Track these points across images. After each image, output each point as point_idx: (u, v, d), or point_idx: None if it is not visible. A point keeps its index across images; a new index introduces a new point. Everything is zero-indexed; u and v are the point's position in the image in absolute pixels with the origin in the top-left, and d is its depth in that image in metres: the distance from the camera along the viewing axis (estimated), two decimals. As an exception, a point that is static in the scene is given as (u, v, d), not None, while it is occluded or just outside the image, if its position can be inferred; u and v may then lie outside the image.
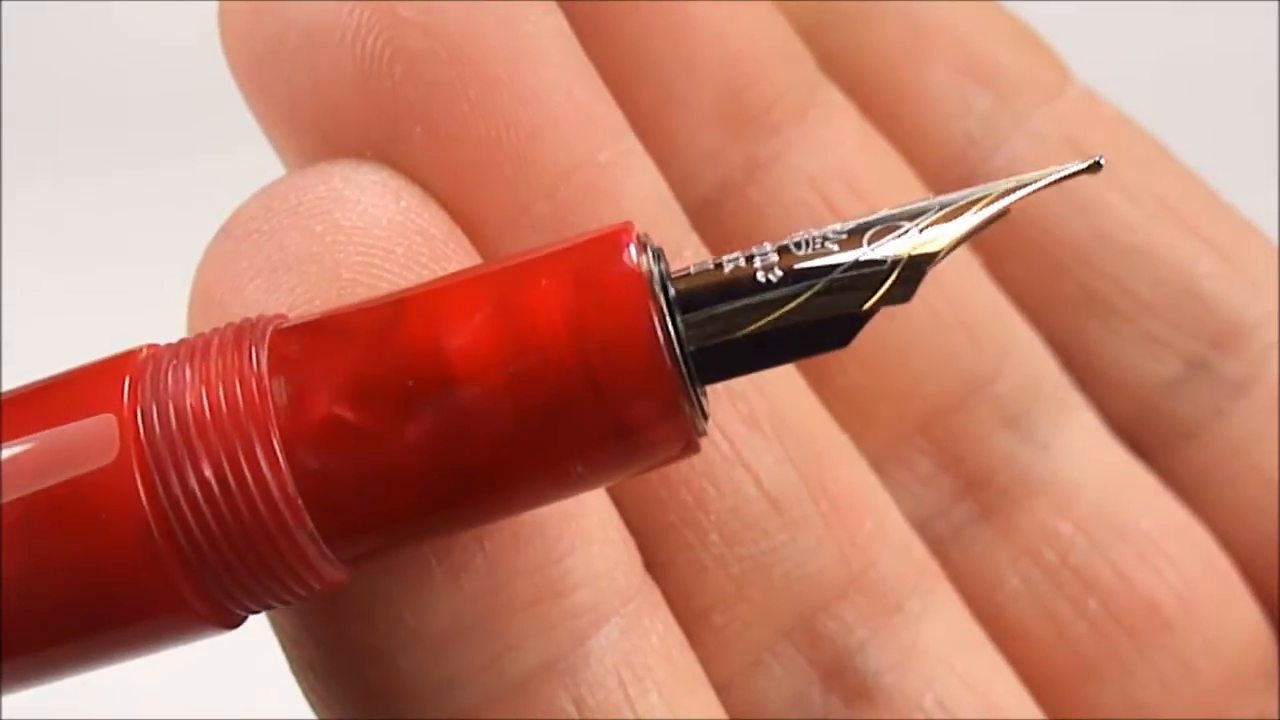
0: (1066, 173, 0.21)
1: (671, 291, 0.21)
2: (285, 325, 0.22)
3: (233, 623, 0.22)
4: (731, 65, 0.30)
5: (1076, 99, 0.33)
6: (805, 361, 0.30)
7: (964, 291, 0.31)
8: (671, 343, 0.21)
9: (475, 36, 0.26)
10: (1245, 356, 0.32)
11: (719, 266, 0.21)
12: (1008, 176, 0.32)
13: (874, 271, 0.21)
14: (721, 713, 0.28)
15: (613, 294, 0.20)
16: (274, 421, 0.21)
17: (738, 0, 0.30)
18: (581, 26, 0.28)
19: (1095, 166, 0.21)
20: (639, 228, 0.27)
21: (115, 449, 0.21)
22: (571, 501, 0.25)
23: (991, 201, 0.21)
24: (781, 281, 0.21)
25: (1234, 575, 0.32)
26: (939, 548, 0.31)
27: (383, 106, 0.26)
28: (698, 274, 0.21)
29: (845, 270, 0.21)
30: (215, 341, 0.21)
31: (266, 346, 0.21)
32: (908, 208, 0.21)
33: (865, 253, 0.21)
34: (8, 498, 0.20)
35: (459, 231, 0.26)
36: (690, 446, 0.22)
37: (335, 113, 0.26)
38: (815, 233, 0.21)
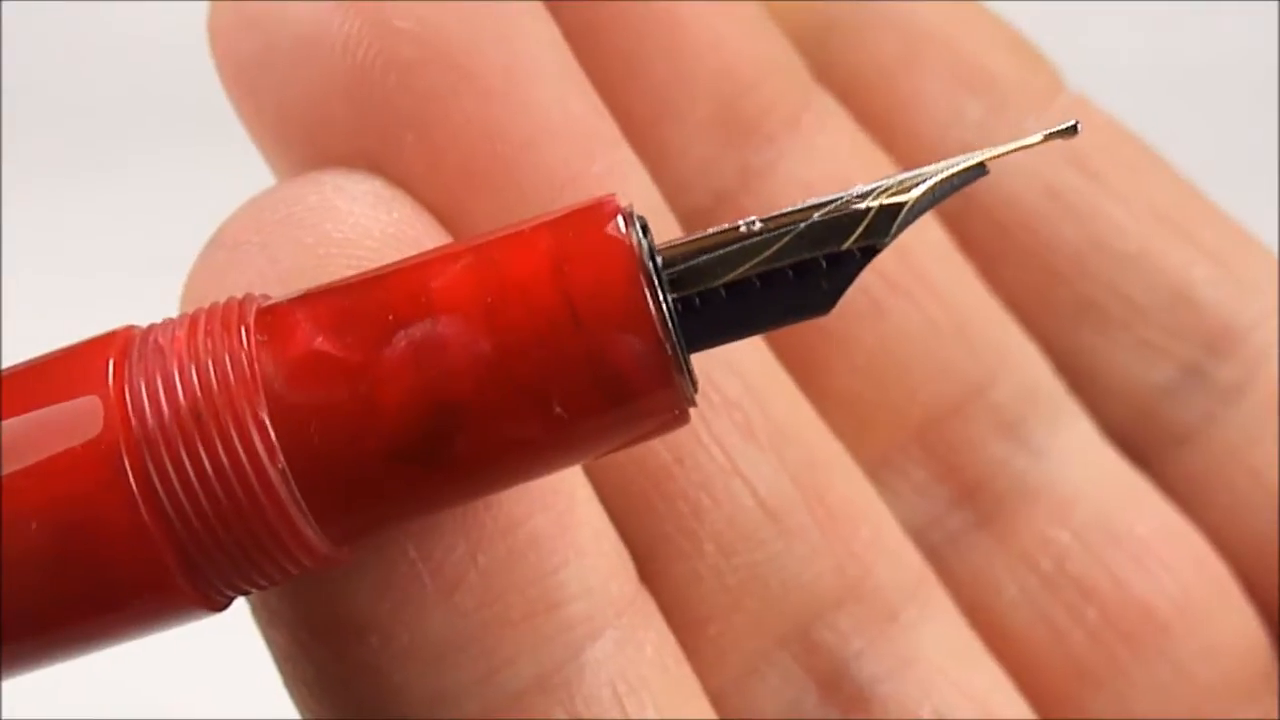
0: (1046, 134, 0.22)
1: (653, 243, 0.21)
2: (273, 300, 0.22)
3: (219, 605, 0.22)
4: (726, 74, 0.30)
5: (1069, 106, 0.33)
6: (800, 370, 0.30)
7: (959, 299, 0.31)
8: (654, 286, 0.20)
9: (469, 46, 0.26)
10: (1240, 361, 0.32)
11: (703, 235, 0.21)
12: (999, 183, 0.32)
13: (850, 213, 0.21)
14: None
15: (594, 238, 0.21)
16: (260, 389, 0.20)
17: (731, 7, 0.30)
18: (575, 36, 0.28)
19: (1071, 130, 0.21)
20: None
21: (100, 427, 0.20)
22: (565, 514, 0.25)
23: (972, 163, 0.21)
24: (762, 231, 0.21)
25: (1230, 581, 0.32)
26: (935, 556, 0.31)
27: (375, 116, 0.26)
28: (681, 240, 0.21)
29: (823, 214, 0.21)
30: (202, 318, 0.21)
31: (254, 316, 0.21)
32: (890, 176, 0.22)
33: (843, 197, 0.21)
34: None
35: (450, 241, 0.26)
36: (680, 414, 0.21)
37: (326, 122, 0.26)
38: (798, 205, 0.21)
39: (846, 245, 0.21)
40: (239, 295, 0.22)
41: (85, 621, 0.21)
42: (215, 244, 0.25)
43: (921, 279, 0.31)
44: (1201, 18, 0.64)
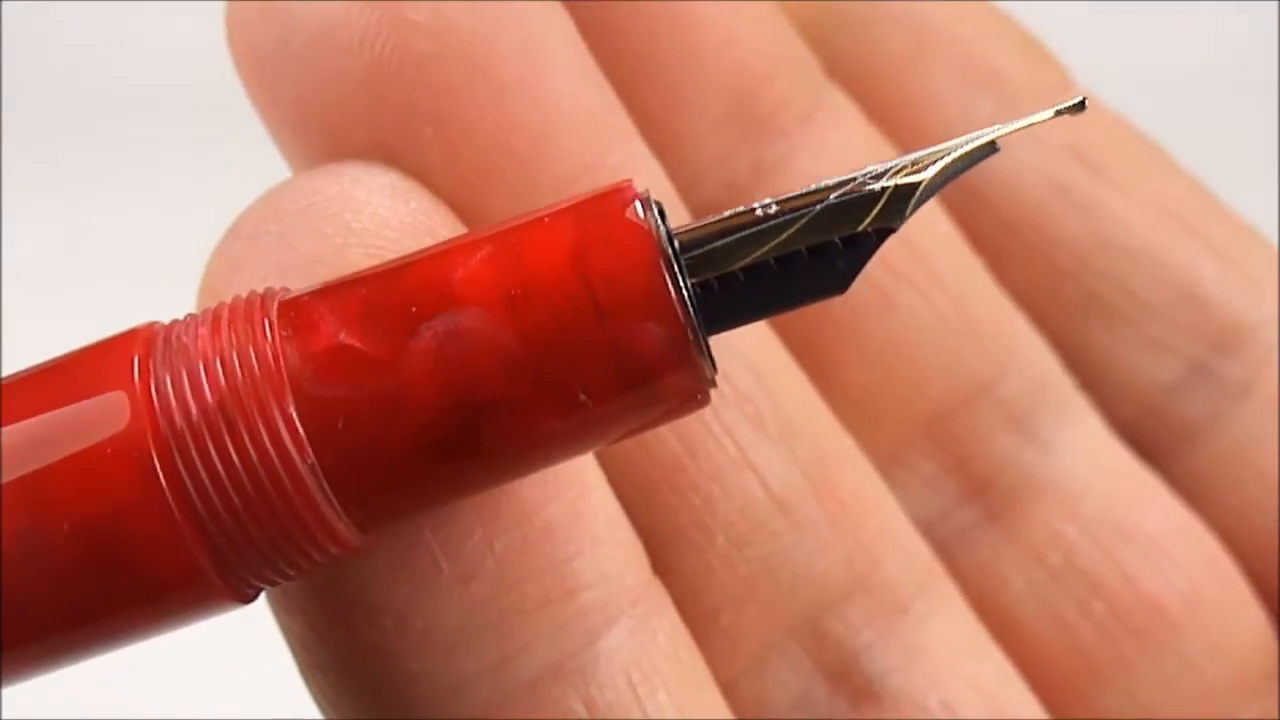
0: (1055, 110, 0.22)
1: (670, 228, 0.21)
2: (295, 293, 0.22)
3: (247, 597, 0.22)
4: (739, 70, 0.30)
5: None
6: (811, 364, 0.30)
7: (968, 293, 0.31)
8: (673, 271, 0.21)
9: (485, 40, 0.26)
10: (1246, 359, 0.32)
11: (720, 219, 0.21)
12: (1007, 181, 0.32)
13: (866, 195, 0.21)
14: (728, 713, 0.28)
15: (613, 224, 0.21)
16: (285, 376, 0.21)
17: (744, 5, 0.30)
18: (590, 31, 0.28)
19: (1079, 106, 0.22)
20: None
21: (127, 422, 0.20)
22: (579, 503, 0.25)
23: (983, 140, 0.22)
24: (778, 214, 0.21)
25: (1238, 577, 0.32)
26: (944, 549, 0.31)
27: (391, 109, 0.26)
28: (697, 224, 0.21)
29: (839, 196, 0.21)
30: (225, 312, 0.22)
31: (276, 310, 0.21)
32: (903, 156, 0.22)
33: (857, 181, 0.21)
34: (18, 474, 0.20)
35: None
36: (700, 396, 0.22)
37: (343, 115, 0.26)
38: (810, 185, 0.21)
39: (862, 227, 0.21)
40: (259, 288, 0.22)
41: (116, 616, 0.21)
42: (234, 234, 0.25)
43: (931, 273, 0.31)
44: (1202, 18, 0.64)
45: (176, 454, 0.20)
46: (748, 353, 0.28)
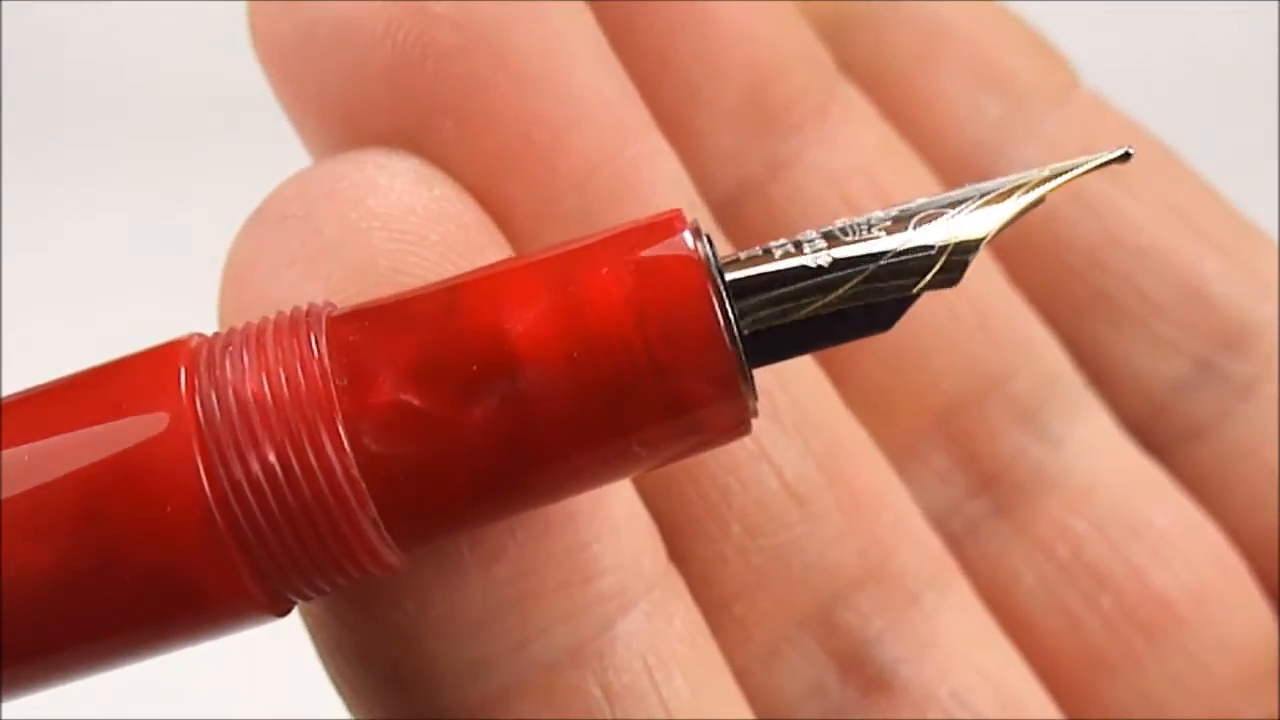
0: (1099, 162, 0.22)
1: (725, 277, 0.21)
2: (339, 312, 0.22)
3: (285, 609, 0.22)
4: (755, 65, 0.30)
5: (1086, 104, 0.34)
6: (826, 358, 0.30)
7: (981, 291, 0.32)
8: (730, 326, 0.21)
9: (507, 32, 0.26)
10: (1253, 358, 0.33)
11: (768, 253, 0.22)
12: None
13: (921, 257, 0.21)
14: (742, 700, 0.28)
15: (673, 278, 0.21)
16: (337, 406, 0.21)
17: (761, 2, 0.31)
18: (610, 26, 0.28)
19: (1125, 156, 0.22)
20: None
21: (175, 438, 0.21)
22: (600, 493, 0.26)
23: (1030, 189, 0.22)
24: (831, 268, 0.21)
25: (1245, 574, 0.32)
26: (954, 543, 0.31)
27: (413, 100, 0.26)
28: (748, 259, 0.22)
29: (893, 257, 0.21)
30: (270, 329, 0.22)
31: (324, 332, 0.22)
32: (947, 195, 0.22)
33: (911, 238, 0.21)
34: (64, 489, 0.21)
35: (490, 222, 0.26)
36: (745, 426, 0.22)
37: (365, 105, 0.26)
38: (859, 220, 0.22)
39: (917, 290, 0.22)
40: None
41: (158, 626, 0.22)
42: (258, 217, 0.25)
43: None
44: (1203, 16, 0.64)
45: (221, 466, 0.21)
46: None
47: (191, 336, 0.22)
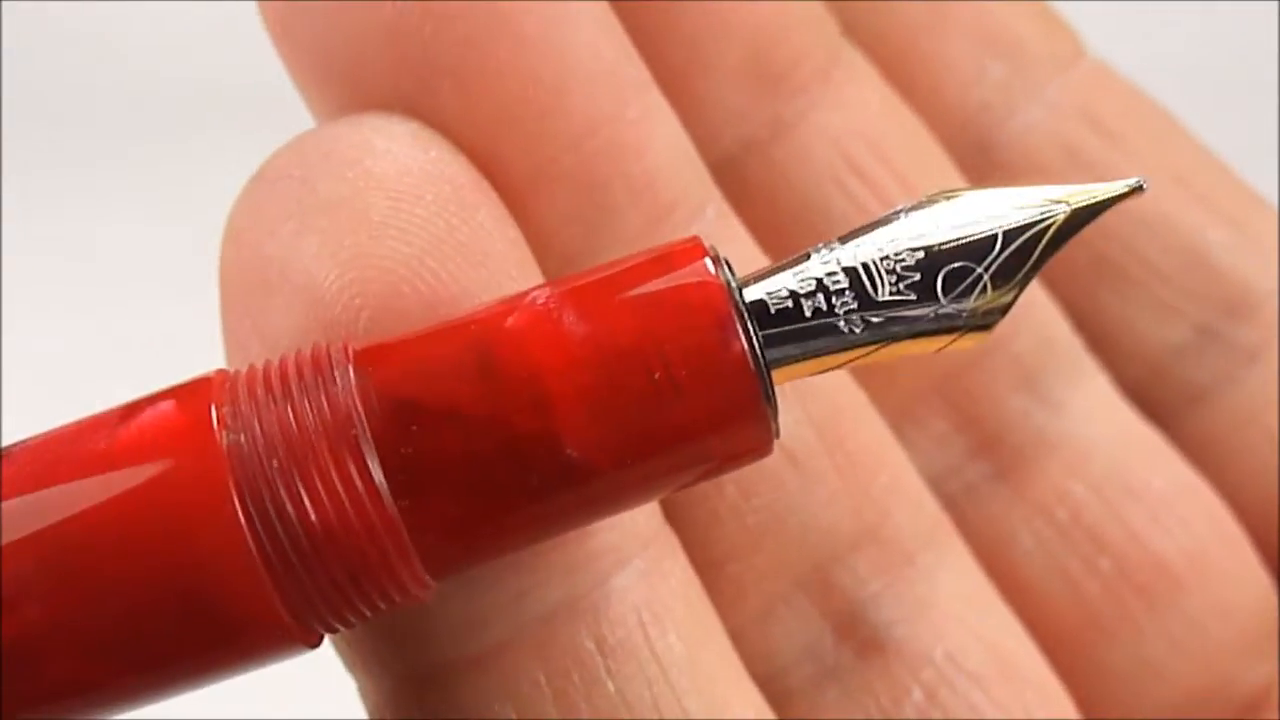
0: (1115, 194, 0.24)
1: (747, 302, 0.22)
2: (361, 347, 0.23)
3: (317, 641, 0.23)
4: (758, 26, 0.30)
5: (1090, 70, 0.34)
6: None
7: None
8: (755, 351, 0.22)
9: None
10: (1255, 324, 0.33)
11: (794, 296, 0.22)
12: (1020, 143, 0.33)
13: (949, 325, 0.23)
14: (736, 658, 0.28)
15: (694, 307, 0.22)
16: (370, 440, 0.21)
17: None
18: None
19: (1138, 189, 0.24)
20: (662, 183, 0.28)
21: (208, 475, 0.21)
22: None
23: (1054, 238, 0.23)
24: (864, 331, 0.22)
25: (1243, 538, 0.32)
26: (953, 505, 0.31)
27: (413, 62, 0.26)
28: (769, 278, 0.23)
29: (924, 326, 0.22)
30: (292, 364, 0.22)
31: (351, 365, 0.22)
32: (971, 233, 0.23)
33: (942, 308, 0.22)
34: (99, 526, 0.21)
35: (485, 182, 0.26)
36: (767, 447, 0.23)
37: (367, 68, 0.27)
38: (884, 254, 0.23)
39: (939, 349, 0.23)
40: (323, 344, 0.23)
41: (197, 661, 0.22)
42: (258, 178, 0.26)
43: None
44: (1203, 16, 0.64)
45: (253, 504, 0.21)
46: None
47: (217, 373, 0.23)
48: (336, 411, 0.21)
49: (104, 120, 0.70)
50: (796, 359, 0.22)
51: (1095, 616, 0.31)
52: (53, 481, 0.21)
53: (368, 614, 0.22)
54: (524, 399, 0.21)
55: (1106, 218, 0.33)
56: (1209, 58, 0.64)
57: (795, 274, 0.23)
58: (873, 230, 0.23)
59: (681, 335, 0.21)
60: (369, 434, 0.21)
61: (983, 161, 0.33)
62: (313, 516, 0.21)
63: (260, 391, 0.22)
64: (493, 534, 0.22)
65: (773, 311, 0.22)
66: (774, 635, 0.29)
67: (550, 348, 0.22)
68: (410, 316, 0.24)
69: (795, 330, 0.22)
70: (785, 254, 0.29)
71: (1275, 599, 0.32)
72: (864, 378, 0.30)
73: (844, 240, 0.23)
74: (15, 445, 0.22)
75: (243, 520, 0.21)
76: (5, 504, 0.21)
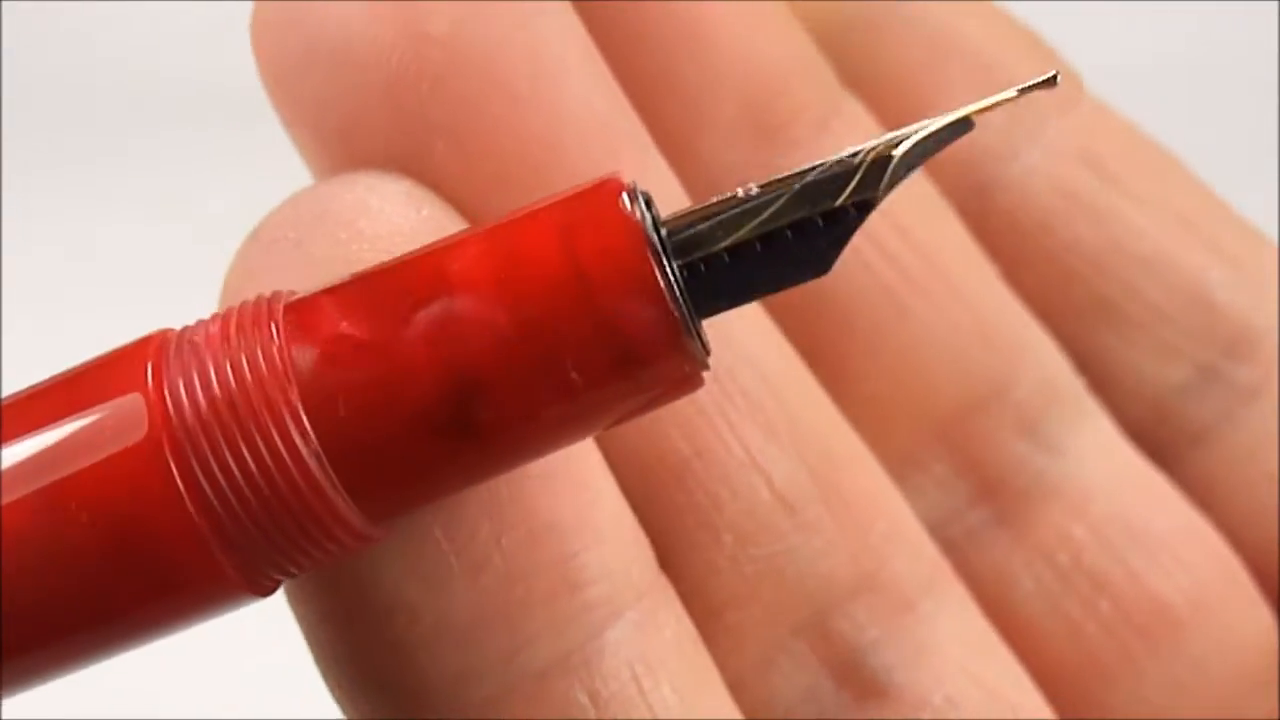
0: (1022, 87, 0.23)
1: (656, 214, 0.22)
2: (299, 294, 0.23)
3: (265, 590, 0.23)
4: (754, 78, 0.30)
5: (1090, 112, 0.34)
6: (825, 371, 0.30)
7: (981, 298, 0.32)
8: (660, 255, 0.21)
9: (499, 53, 0.27)
10: (1255, 363, 0.33)
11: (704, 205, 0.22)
12: (1019, 187, 0.33)
13: (844, 169, 0.22)
14: (734, 708, 0.28)
15: (601, 211, 0.22)
16: (291, 375, 0.22)
17: (759, 12, 0.31)
18: (605, 39, 0.29)
19: (1051, 81, 0.23)
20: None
21: (143, 423, 0.22)
22: (584, 499, 0.26)
23: (953, 115, 0.23)
24: (760, 193, 0.22)
25: (1245, 578, 0.32)
26: (954, 551, 0.31)
27: (408, 121, 0.27)
28: (683, 211, 0.22)
29: (817, 174, 0.22)
30: (233, 316, 0.23)
31: (283, 310, 0.22)
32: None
33: (836, 156, 0.22)
34: (40, 477, 0.21)
35: None
36: (693, 377, 0.22)
37: (362, 125, 0.27)
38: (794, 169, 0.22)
39: (840, 201, 0.22)
40: (268, 294, 0.23)
41: (136, 611, 0.22)
42: (253, 240, 0.26)
43: (945, 279, 0.31)
44: (1203, 16, 0.64)
45: (190, 451, 0.21)
46: (755, 354, 0.29)
47: (164, 330, 0.23)
48: (267, 355, 0.22)
49: (104, 120, 0.70)
50: (702, 243, 0.22)
51: (1097, 659, 0.31)
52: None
53: (313, 557, 0.22)
54: (430, 292, 0.22)
55: (1108, 259, 0.33)
56: (1209, 58, 0.64)
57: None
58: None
59: (596, 259, 0.21)
60: (292, 373, 0.22)
61: (982, 206, 0.33)
62: (246, 457, 0.21)
63: (198, 342, 0.22)
64: (415, 466, 0.22)
65: (683, 210, 0.22)
66: (774, 683, 0.29)
67: (466, 277, 0.22)
68: None
69: (697, 211, 0.22)
70: (777, 308, 0.30)
71: (1277, 638, 0.32)
72: (864, 425, 0.31)
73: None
74: None
75: (175, 468, 0.21)
76: None
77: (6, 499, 0.21)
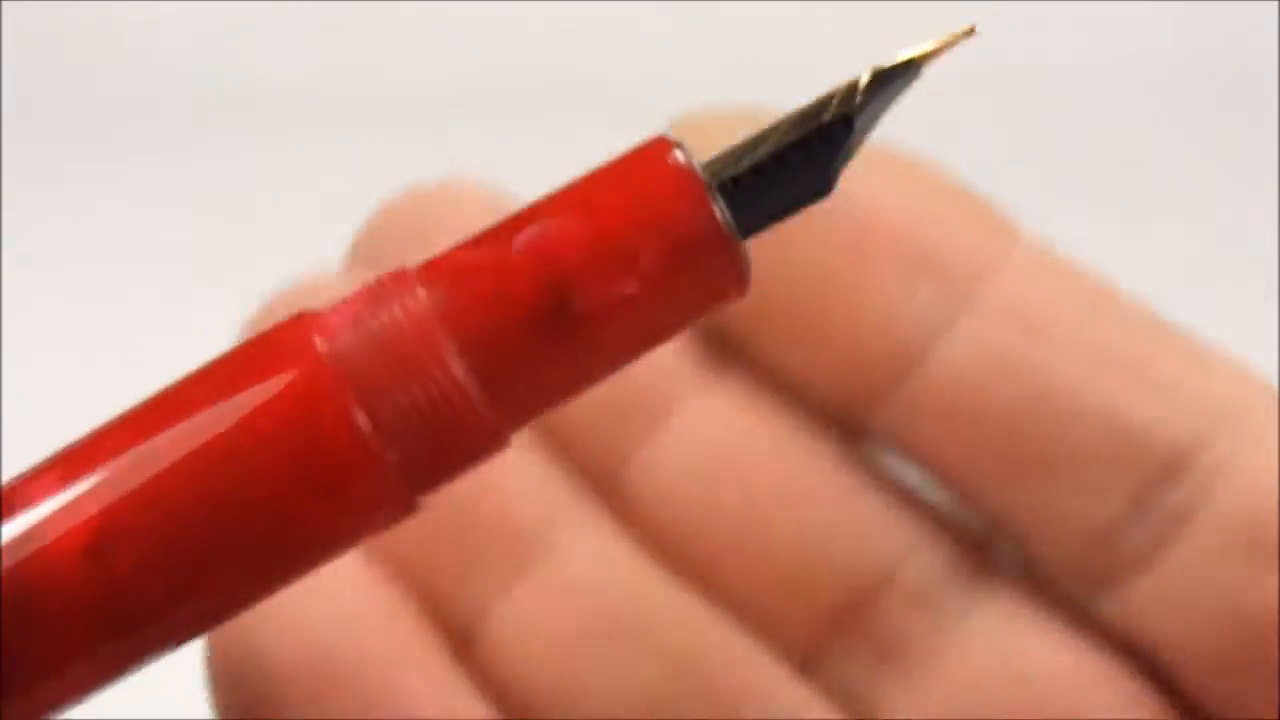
0: (938, 43, 0.25)
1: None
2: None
3: (414, 507, 0.26)
4: None
5: (1021, 261, 0.34)
6: (704, 581, 0.33)
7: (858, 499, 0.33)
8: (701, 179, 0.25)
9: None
10: (1188, 484, 0.33)
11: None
12: (949, 358, 0.32)
13: (824, 97, 0.25)
14: None
15: (658, 164, 0.26)
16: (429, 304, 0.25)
17: None
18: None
19: (970, 32, 0.25)
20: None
21: (311, 361, 0.25)
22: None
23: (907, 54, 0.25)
24: (762, 133, 0.25)
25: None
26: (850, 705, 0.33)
27: None
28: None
29: (808, 104, 0.25)
30: (375, 285, 0.25)
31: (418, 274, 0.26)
32: None
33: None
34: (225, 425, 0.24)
35: None
36: (742, 277, 0.25)
37: None
38: None
39: (828, 117, 0.25)
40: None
41: (317, 525, 0.25)
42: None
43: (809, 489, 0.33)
44: (1203, 15, 0.64)
45: (354, 374, 0.25)
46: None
47: (304, 311, 0.25)
48: (408, 290, 0.25)
49: (104, 120, 0.70)
50: (729, 168, 0.25)
51: None
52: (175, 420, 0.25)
53: (454, 468, 0.25)
54: (540, 247, 0.25)
55: (1034, 416, 0.32)
56: (1209, 58, 0.64)
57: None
58: None
59: (660, 197, 0.25)
60: (430, 301, 0.25)
61: (909, 384, 0.33)
62: (404, 379, 0.25)
63: (344, 308, 0.25)
64: (533, 360, 0.25)
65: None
66: None
67: (552, 208, 0.26)
68: None
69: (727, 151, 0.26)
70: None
71: None
72: (757, 623, 0.33)
73: None
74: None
75: (355, 405, 0.24)
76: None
77: (200, 440, 0.24)
